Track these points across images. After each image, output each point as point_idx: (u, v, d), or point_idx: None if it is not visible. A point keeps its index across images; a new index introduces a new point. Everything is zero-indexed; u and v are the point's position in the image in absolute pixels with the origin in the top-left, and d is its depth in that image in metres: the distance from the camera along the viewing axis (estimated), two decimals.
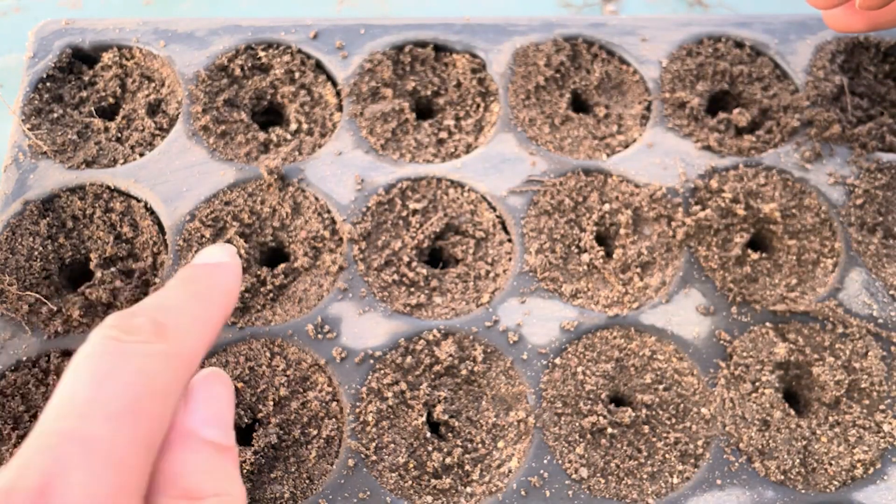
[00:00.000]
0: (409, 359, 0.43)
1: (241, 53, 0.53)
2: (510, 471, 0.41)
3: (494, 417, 0.43)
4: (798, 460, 0.42)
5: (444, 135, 0.51)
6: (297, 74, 0.53)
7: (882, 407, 0.44)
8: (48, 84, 0.51)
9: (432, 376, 0.43)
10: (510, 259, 0.47)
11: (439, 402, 0.42)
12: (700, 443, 0.42)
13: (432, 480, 0.41)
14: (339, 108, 0.52)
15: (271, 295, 0.46)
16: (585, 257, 0.47)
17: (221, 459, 0.27)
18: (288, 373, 0.43)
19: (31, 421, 0.42)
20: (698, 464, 0.42)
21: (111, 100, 0.52)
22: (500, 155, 0.50)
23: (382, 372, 0.43)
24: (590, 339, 0.45)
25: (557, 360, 0.44)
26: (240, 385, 0.43)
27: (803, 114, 0.52)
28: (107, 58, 0.52)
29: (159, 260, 0.47)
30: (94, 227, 0.47)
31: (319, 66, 0.53)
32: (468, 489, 0.41)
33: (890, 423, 0.43)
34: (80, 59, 0.53)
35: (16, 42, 0.66)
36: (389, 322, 0.44)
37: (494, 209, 0.49)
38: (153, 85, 0.53)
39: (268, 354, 0.44)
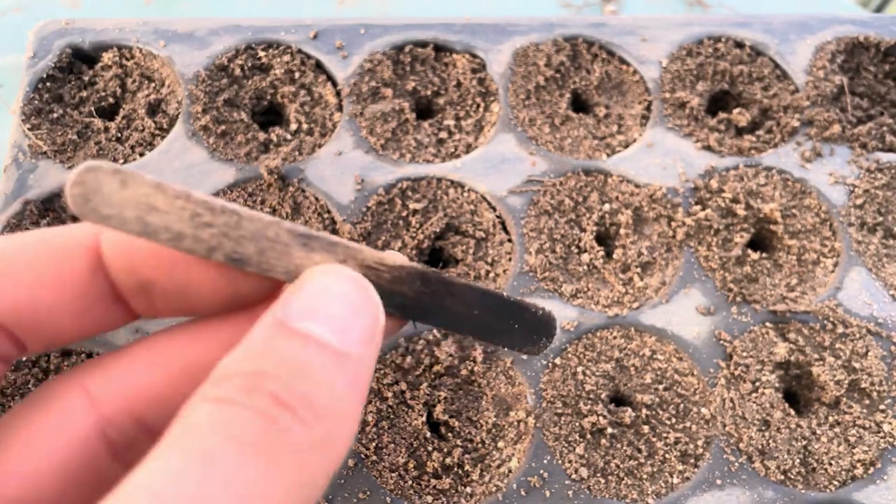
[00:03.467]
0: (409, 359, 0.43)
1: (241, 53, 0.53)
2: (510, 471, 0.41)
3: (494, 417, 0.43)
4: (798, 460, 0.42)
5: (444, 135, 0.51)
6: (297, 74, 0.52)
7: (882, 407, 0.44)
8: (48, 84, 0.51)
9: (432, 376, 0.43)
10: (510, 259, 0.47)
11: (439, 402, 0.42)
12: (700, 443, 0.42)
13: (432, 480, 0.41)
14: (339, 108, 0.52)
15: None
16: (585, 257, 0.47)
17: (322, 357, 0.19)
18: None
19: None
20: (698, 464, 0.42)
21: (111, 100, 0.52)
22: (500, 155, 0.50)
23: (382, 372, 0.43)
24: (590, 339, 0.45)
25: (557, 360, 0.44)
26: None
27: (803, 114, 0.52)
28: (107, 58, 0.52)
29: None
30: None
31: (319, 66, 0.53)
32: (468, 489, 0.41)
33: (890, 423, 0.43)
34: (80, 59, 0.53)
35: (16, 42, 0.66)
36: (389, 322, 0.44)
37: (494, 209, 0.49)
38: (153, 85, 0.52)
39: None
